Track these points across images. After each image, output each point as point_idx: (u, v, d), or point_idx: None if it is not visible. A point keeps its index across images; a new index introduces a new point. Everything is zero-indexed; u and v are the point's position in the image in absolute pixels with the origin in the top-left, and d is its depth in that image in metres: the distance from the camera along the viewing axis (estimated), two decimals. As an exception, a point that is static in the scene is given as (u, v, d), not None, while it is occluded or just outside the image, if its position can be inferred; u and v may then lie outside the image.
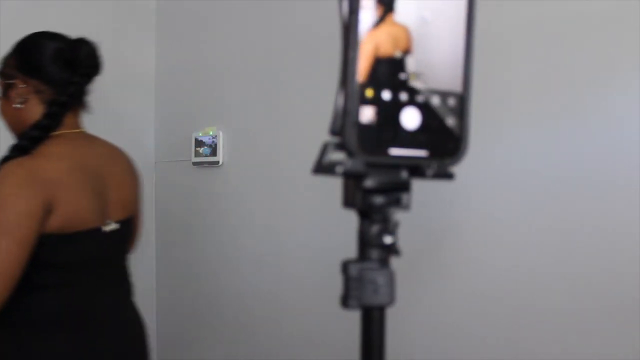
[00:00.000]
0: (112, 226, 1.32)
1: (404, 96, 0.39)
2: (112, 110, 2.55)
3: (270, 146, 2.12)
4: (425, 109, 0.40)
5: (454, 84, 0.40)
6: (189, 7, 2.50)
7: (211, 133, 2.33)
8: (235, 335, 2.29)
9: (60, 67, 1.26)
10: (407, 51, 0.39)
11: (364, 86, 0.38)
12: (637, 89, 1.25)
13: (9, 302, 1.12)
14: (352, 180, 0.42)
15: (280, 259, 2.09)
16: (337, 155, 0.40)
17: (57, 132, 1.26)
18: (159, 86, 2.65)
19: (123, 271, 1.45)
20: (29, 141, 1.20)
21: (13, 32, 2.20)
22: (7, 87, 1.26)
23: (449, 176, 0.42)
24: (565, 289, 1.38)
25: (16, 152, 1.18)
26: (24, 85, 1.25)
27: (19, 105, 1.25)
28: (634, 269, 1.26)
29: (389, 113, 0.39)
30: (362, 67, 0.38)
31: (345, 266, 0.43)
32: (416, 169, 0.42)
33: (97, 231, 1.28)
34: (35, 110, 1.25)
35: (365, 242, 0.43)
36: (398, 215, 0.44)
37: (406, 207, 0.43)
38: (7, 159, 1.18)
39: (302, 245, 2.01)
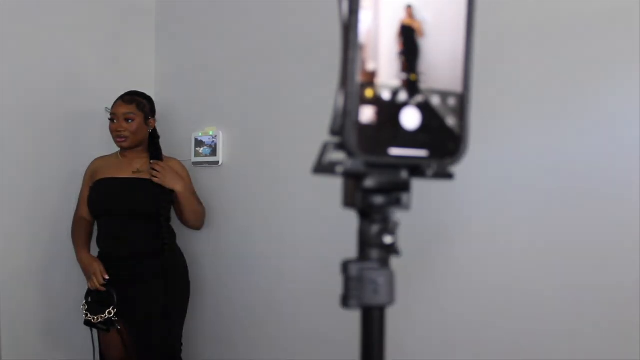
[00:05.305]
0: None
1: (403, 96, 0.39)
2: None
3: (270, 146, 2.12)
4: (425, 108, 0.40)
5: (454, 84, 0.40)
6: (188, 7, 2.50)
7: (211, 133, 2.33)
8: (233, 334, 2.28)
9: None
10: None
11: (364, 86, 0.38)
12: (637, 89, 1.25)
13: None
14: (352, 180, 0.42)
15: (280, 258, 2.09)
16: (337, 155, 0.40)
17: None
18: (159, 86, 2.65)
19: None
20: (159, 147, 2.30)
21: (14, 31, 2.21)
22: (147, 118, 2.22)
23: (449, 176, 0.42)
24: (565, 289, 1.38)
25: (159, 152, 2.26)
26: (153, 119, 2.27)
27: (151, 128, 2.26)
28: (634, 269, 1.25)
29: (389, 113, 0.39)
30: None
31: (345, 266, 0.43)
32: (416, 169, 0.42)
33: None
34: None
35: (365, 242, 0.43)
36: (398, 215, 0.44)
37: (406, 207, 0.43)
38: (158, 156, 2.22)
39: (302, 244, 2.01)
